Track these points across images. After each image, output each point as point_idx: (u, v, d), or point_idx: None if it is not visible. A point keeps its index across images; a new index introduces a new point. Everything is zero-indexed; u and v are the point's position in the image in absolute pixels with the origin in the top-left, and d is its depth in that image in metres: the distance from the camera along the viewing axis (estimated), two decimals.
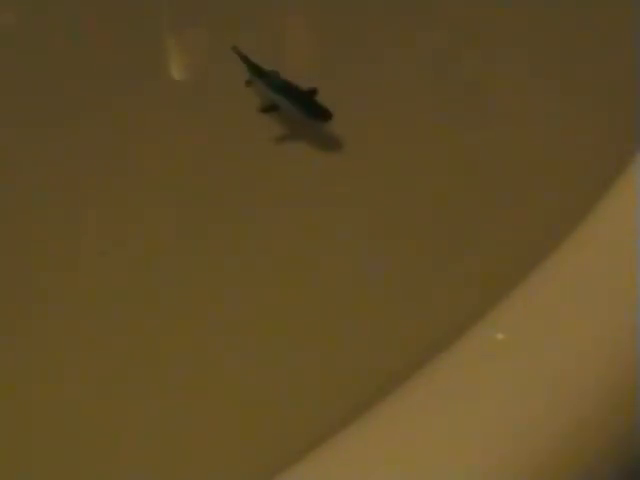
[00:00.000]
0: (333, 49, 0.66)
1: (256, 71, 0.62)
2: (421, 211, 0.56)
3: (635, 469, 0.33)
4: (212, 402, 0.49)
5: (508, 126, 0.59)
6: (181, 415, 0.49)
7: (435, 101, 0.61)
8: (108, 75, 0.64)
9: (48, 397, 0.50)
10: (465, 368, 0.33)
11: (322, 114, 0.58)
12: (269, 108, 0.61)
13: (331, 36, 0.67)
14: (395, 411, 0.32)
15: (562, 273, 0.35)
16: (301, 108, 0.59)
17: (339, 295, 0.53)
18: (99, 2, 0.67)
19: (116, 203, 0.54)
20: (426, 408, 0.32)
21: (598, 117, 0.55)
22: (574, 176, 0.53)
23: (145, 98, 0.63)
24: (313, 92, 0.60)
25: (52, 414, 0.50)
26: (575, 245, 0.36)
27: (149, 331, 0.52)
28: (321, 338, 0.51)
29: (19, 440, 0.49)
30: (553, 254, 0.35)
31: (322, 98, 0.61)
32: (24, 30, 0.67)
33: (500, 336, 0.33)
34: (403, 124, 0.60)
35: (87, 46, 0.65)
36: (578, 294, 0.34)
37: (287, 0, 0.69)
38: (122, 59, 0.65)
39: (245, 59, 0.63)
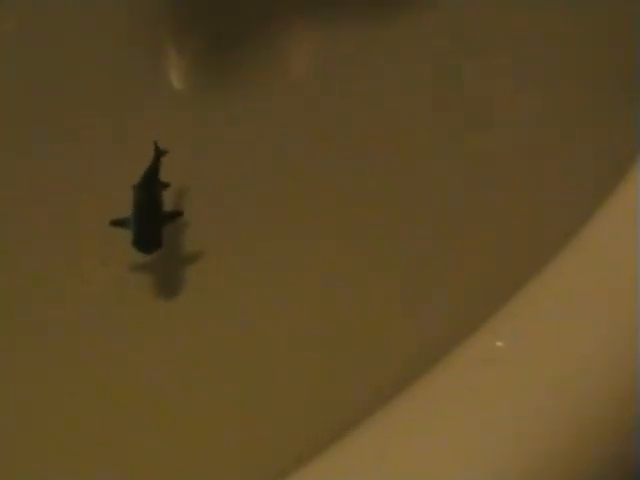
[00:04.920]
0: (333, 54, 0.66)
1: (145, 174, 0.56)
2: (421, 215, 0.56)
3: (637, 475, 0.33)
4: (210, 408, 0.49)
5: (508, 133, 0.59)
6: (181, 415, 0.49)
7: (434, 108, 0.61)
8: (108, 80, 0.64)
9: (48, 401, 0.50)
10: (464, 375, 0.33)
11: (142, 246, 0.52)
12: (118, 222, 0.54)
13: (331, 41, 0.66)
14: (394, 419, 0.32)
15: (562, 279, 0.35)
16: (133, 232, 0.53)
17: (337, 299, 0.53)
18: (98, 6, 0.67)
19: (116, 209, 0.54)
20: (425, 415, 0.32)
21: (599, 122, 0.55)
22: (575, 180, 0.53)
23: (145, 102, 0.63)
24: (169, 216, 0.55)
25: (52, 416, 0.50)
26: (575, 250, 0.36)
27: (150, 336, 0.52)
28: (319, 343, 0.51)
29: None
30: (554, 259, 0.35)
31: (323, 102, 0.61)
32: (23, 35, 0.67)
33: (500, 344, 0.33)
34: (402, 129, 0.60)
35: (86, 51, 0.65)
36: (579, 300, 0.34)
37: (287, 6, 0.69)
38: (121, 64, 0.65)
39: (156, 157, 0.56)
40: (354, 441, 0.32)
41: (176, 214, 0.55)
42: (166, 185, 0.56)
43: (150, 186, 0.55)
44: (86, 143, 0.61)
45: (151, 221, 0.53)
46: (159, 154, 0.56)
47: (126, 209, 0.54)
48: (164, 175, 0.56)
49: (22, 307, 0.54)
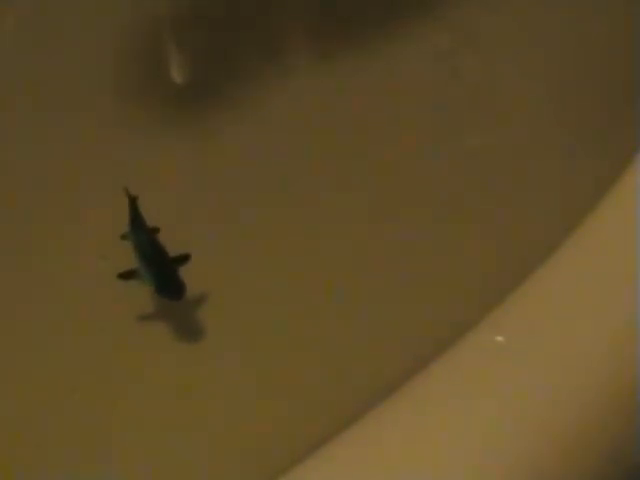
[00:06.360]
0: (333, 49, 0.66)
1: (134, 223, 0.54)
2: (421, 212, 0.56)
3: (636, 473, 0.33)
4: (210, 407, 0.49)
5: (508, 129, 0.59)
6: (179, 415, 0.49)
7: (435, 103, 0.61)
8: (108, 76, 0.64)
9: (46, 394, 0.50)
10: (464, 371, 0.33)
11: (171, 293, 0.51)
12: (127, 274, 0.53)
13: (331, 37, 0.67)
14: (394, 413, 0.32)
15: (562, 275, 0.35)
16: (153, 281, 0.52)
17: (337, 296, 0.53)
18: (99, 6, 0.67)
19: (115, 204, 0.54)
20: (425, 410, 0.32)
21: (599, 119, 0.55)
22: (575, 177, 0.53)
23: (145, 99, 0.63)
24: (179, 260, 0.53)
25: (50, 410, 0.50)
26: (575, 246, 0.36)
27: (146, 327, 0.53)
28: (319, 340, 0.51)
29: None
30: (553, 255, 0.35)
31: (322, 100, 0.61)
32: (23, 34, 0.67)
33: (500, 338, 0.33)
34: (402, 125, 0.60)
35: (86, 48, 0.65)
36: (578, 296, 0.34)
37: (287, 1, 0.69)
38: (122, 63, 0.65)
39: (132, 204, 0.55)
40: (353, 436, 0.32)
41: (185, 258, 0.53)
42: (156, 230, 0.55)
43: (144, 233, 0.54)
44: (86, 140, 0.61)
45: (166, 268, 0.52)
46: (133, 200, 0.54)
47: (124, 198, 0.54)
48: (164, 180, 0.56)
49: (21, 300, 0.54)
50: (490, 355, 0.32)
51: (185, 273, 0.52)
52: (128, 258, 0.54)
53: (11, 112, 0.62)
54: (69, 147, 0.61)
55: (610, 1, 0.59)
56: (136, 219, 0.54)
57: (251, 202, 0.58)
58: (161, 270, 0.52)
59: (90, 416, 0.50)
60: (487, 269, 0.51)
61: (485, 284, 0.47)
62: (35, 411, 0.50)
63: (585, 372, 0.32)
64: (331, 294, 0.53)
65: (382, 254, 0.55)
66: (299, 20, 0.70)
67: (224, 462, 0.47)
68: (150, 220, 0.54)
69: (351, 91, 0.63)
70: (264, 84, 0.64)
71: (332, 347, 0.51)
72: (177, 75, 0.68)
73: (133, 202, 0.54)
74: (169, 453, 0.48)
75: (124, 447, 0.49)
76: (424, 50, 0.63)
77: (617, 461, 0.32)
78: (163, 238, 0.54)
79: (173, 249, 0.53)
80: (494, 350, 0.33)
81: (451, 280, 0.52)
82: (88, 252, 0.55)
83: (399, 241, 0.55)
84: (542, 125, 0.58)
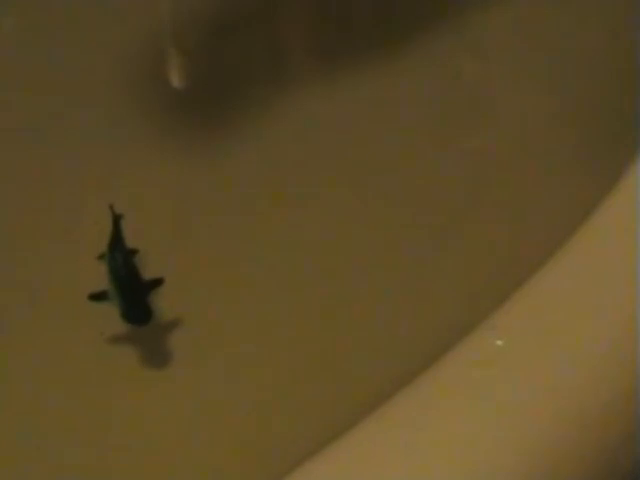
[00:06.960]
0: (333, 53, 0.66)
1: (113, 244, 0.53)
2: (422, 214, 0.56)
3: (636, 473, 0.33)
4: (209, 410, 0.49)
5: (509, 131, 0.59)
6: (177, 417, 0.49)
7: (436, 106, 0.61)
8: (107, 78, 0.64)
9: (46, 395, 0.50)
10: (464, 374, 0.33)
11: (134, 319, 0.50)
12: (98, 296, 0.52)
13: (331, 40, 0.67)
14: (394, 416, 0.32)
15: (562, 276, 0.35)
16: (120, 305, 0.51)
17: (336, 296, 0.53)
18: (98, 5, 0.67)
19: (115, 204, 0.54)
20: (425, 413, 0.32)
21: (599, 120, 0.56)
22: (575, 177, 0.53)
23: (144, 101, 0.63)
24: (151, 285, 0.52)
25: (48, 419, 0.50)
26: (575, 247, 0.36)
27: (147, 336, 0.53)
28: (319, 340, 0.51)
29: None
30: (554, 257, 0.35)
31: (323, 100, 0.61)
32: (23, 31, 0.67)
33: (499, 342, 0.33)
34: (403, 128, 0.60)
35: (86, 49, 0.65)
36: (578, 297, 0.34)
37: (286, 2, 0.69)
38: (122, 63, 0.65)
39: (115, 223, 0.53)
40: (352, 439, 0.32)
41: (157, 282, 0.52)
42: (135, 251, 0.54)
43: (121, 255, 0.53)
44: (86, 142, 0.61)
45: (135, 292, 0.51)
46: (117, 219, 0.53)
47: (124, 199, 0.54)
48: (162, 183, 0.56)
49: (20, 300, 0.54)
50: (490, 358, 0.32)
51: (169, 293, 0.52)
52: None
53: (10, 112, 0.62)
54: (68, 148, 0.61)
55: (610, 2, 0.59)
56: (116, 240, 0.53)
57: (249, 209, 0.58)
58: (129, 294, 0.51)
59: (87, 417, 0.50)
60: (487, 270, 0.51)
61: (485, 285, 0.47)
62: (32, 410, 0.50)
63: (585, 372, 0.32)
64: (330, 295, 0.53)
65: (382, 255, 0.55)
66: (300, 23, 0.70)
67: (224, 463, 0.47)
68: (144, 227, 0.54)
69: (352, 95, 0.63)
70: (265, 89, 0.64)
71: (332, 348, 0.50)
72: (176, 79, 0.68)
73: (117, 221, 0.53)
74: (167, 455, 0.48)
75: (122, 446, 0.49)
76: (425, 55, 0.63)
77: (617, 461, 0.32)
78: (155, 246, 0.54)
79: (164, 259, 0.53)
80: (494, 353, 0.33)
81: (451, 281, 0.52)
82: (87, 253, 0.55)
83: (399, 242, 0.55)
84: (542, 126, 0.58)
